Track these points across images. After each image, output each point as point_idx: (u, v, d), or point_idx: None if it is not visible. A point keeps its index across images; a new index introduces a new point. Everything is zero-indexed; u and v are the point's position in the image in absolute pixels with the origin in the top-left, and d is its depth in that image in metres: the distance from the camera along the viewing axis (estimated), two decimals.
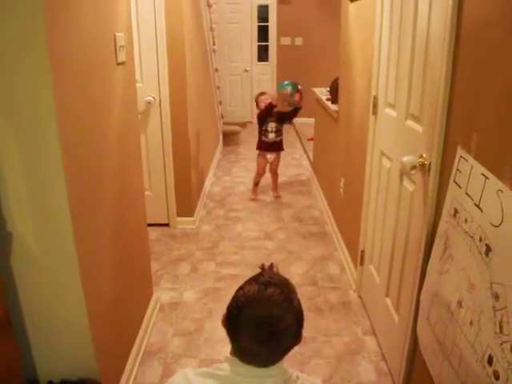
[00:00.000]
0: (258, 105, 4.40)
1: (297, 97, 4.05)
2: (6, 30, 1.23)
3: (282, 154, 4.49)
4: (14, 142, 1.32)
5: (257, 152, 4.46)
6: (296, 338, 1.08)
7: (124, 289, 2.02)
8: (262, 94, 4.45)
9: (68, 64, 1.41)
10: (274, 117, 4.21)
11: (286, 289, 1.07)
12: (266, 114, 4.22)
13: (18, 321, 1.50)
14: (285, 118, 4.29)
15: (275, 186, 4.54)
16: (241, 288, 1.09)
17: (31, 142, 1.33)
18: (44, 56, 1.25)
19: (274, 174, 4.51)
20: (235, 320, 1.06)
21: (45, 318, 1.53)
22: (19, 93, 1.28)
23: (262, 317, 1.03)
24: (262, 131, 4.30)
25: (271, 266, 1.15)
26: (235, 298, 1.09)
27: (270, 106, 4.13)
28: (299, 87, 4.08)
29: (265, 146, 4.36)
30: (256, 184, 4.49)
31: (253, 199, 4.44)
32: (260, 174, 4.45)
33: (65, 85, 1.38)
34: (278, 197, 4.48)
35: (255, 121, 4.55)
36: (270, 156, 4.41)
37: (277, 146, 4.37)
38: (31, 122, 1.31)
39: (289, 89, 4.03)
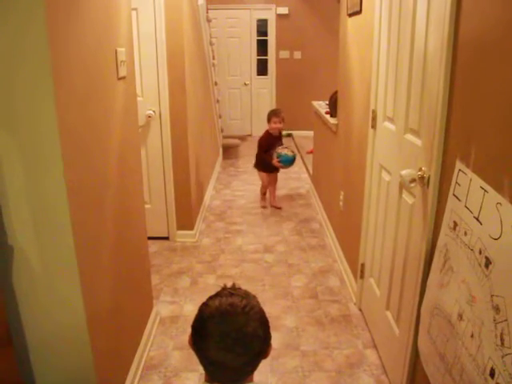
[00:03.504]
0: (269, 120, 4.49)
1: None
2: (9, 43, 1.24)
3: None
4: (16, 155, 1.33)
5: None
6: (264, 344, 1.12)
7: (124, 302, 2.02)
8: (275, 113, 4.51)
9: (70, 79, 1.43)
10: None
11: (246, 296, 1.14)
12: (273, 141, 4.47)
13: (18, 334, 1.50)
14: None
15: (273, 195, 4.64)
16: (204, 304, 1.15)
17: (33, 155, 1.34)
18: (47, 71, 1.27)
19: (273, 184, 4.65)
20: (202, 333, 1.10)
21: (45, 332, 1.52)
22: (22, 108, 1.30)
23: (227, 324, 1.08)
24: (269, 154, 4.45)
25: (233, 285, 1.21)
26: (199, 314, 1.14)
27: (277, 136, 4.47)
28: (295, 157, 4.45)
29: (266, 168, 4.54)
30: (263, 193, 4.71)
31: (263, 206, 4.60)
32: (265, 186, 4.66)
33: (66, 100, 1.40)
34: (279, 208, 4.52)
35: (255, 133, 4.60)
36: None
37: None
38: (33, 136, 1.32)
39: (289, 166, 4.43)
